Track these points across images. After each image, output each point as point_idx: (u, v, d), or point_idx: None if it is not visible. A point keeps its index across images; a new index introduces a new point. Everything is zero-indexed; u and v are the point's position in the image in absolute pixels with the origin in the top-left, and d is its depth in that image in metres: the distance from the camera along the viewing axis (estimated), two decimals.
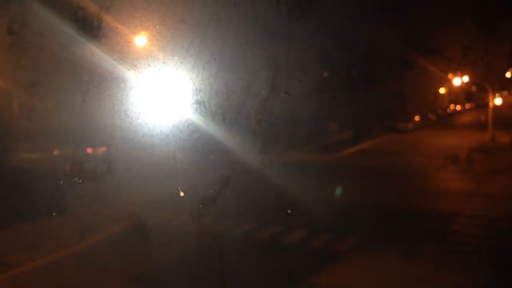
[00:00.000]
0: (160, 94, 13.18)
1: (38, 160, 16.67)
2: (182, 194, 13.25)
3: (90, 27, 12.46)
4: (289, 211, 16.30)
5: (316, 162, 30.64)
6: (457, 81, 49.42)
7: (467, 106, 64.16)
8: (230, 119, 13.33)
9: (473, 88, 52.10)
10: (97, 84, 12.41)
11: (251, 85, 13.09)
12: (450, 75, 47.01)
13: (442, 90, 56.43)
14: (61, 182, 13.20)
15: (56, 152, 17.42)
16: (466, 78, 48.20)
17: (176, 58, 12.89)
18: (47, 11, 12.18)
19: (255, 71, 13.15)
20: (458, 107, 64.54)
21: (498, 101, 44.72)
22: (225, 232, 16.66)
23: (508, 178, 25.22)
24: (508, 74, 48.75)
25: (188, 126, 13.39)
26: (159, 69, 12.90)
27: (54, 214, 14.59)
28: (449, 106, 63.14)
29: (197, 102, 13.09)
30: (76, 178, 13.10)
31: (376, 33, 32.31)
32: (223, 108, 13.37)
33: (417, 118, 51.71)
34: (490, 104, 41.71)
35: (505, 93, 53.74)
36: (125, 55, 12.49)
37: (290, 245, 16.21)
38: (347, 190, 23.07)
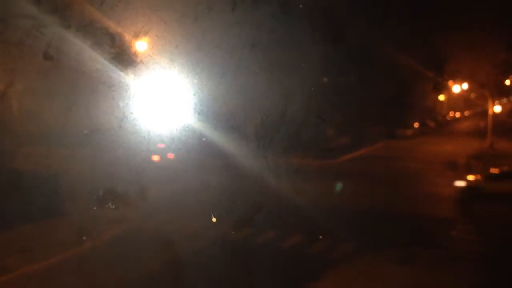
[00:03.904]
0: (193, 120, 13.15)
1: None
2: (214, 219, 13.21)
3: (127, 54, 12.39)
4: (320, 237, 16.41)
5: (316, 168, 30.67)
6: (457, 88, 49.79)
7: (466, 113, 64.55)
8: (264, 145, 13.32)
9: (473, 95, 52.41)
10: (134, 110, 12.31)
11: (286, 110, 13.06)
12: (450, 82, 47.42)
13: (441, 97, 56.80)
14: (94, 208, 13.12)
15: None
16: (465, 85, 48.51)
17: (211, 83, 12.85)
18: (83, 36, 12.10)
19: (289, 95, 13.11)
20: (458, 114, 64.91)
21: (497, 108, 44.68)
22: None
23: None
24: (507, 82, 49.20)
25: (220, 152, 13.36)
26: (194, 94, 12.87)
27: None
28: (448, 113, 63.54)
29: (232, 127, 13.06)
30: (109, 204, 13.03)
31: (378, 41, 32.61)
32: (257, 134, 13.35)
33: (416, 124, 51.89)
34: (489, 112, 41.70)
35: (504, 100, 54.17)
36: (162, 82, 12.42)
37: (287, 250, 16.26)
38: (347, 196, 22.99)
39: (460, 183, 23.09)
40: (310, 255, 15.95)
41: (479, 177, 23.26)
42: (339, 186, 24.10)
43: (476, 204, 21.59)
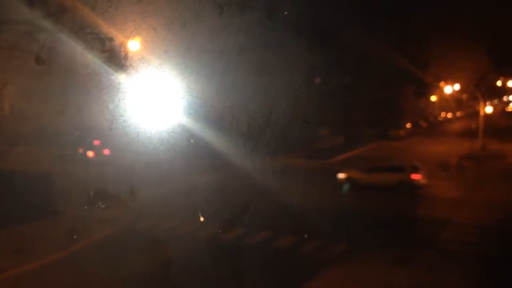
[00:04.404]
0: (182, 122, 13.53)
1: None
2: (202, 219, 13.55)
3: (117, 58, 12.74)
4: (305, 236, 16.50)
5: (309, 169, 30.78)
6: (448, 89, 50.01)
7: (458, 114, 64.74)
8: (251, 147, 13.68)
9: (464, 96, 52.55)
10: (124, 113, 12.66)
11: (271, 113, 13.43)
12: (441, 83, 47.69)
13: (433, 98, 57.06)
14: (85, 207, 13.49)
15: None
16: (457, 86, 48.72)
17: (199, 87, 13.22)
18: (75, 41, 12.44)
19: (276, 99, 13.50)
20: (449, 115, 65.16)
21: (488, 109, 44.72)
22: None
23: (497, 186, 24.85)
24: (498, 83, 49.53)
25: (209, 152, 13.71)
26: (182, 97, 13.23)
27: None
28: (440, 114, 63.83)
29: (220, 129, 13.43)
30: (99, 204, 13.38)
31: (372, 43, 32.90)
32: (244, 136, 13.72)
33: (408, 125, 52.13)
34: (481, 113, 41.65)
35: (495, 101, 54.53)
36: (152, 85, 12.78)
37: (277, 250, 16.24)
38: (338, 197, 23.62)
39: (341, 175, 25.40)
40: (302, 255, 15.93)
41: (358, 170, 25.91)
42: (345, 187, 24.59)
43: (352, 192, 24.39)
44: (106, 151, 19.09)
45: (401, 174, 24.43)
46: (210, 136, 13.68)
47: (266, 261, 15.10)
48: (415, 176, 24.45)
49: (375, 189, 24.29)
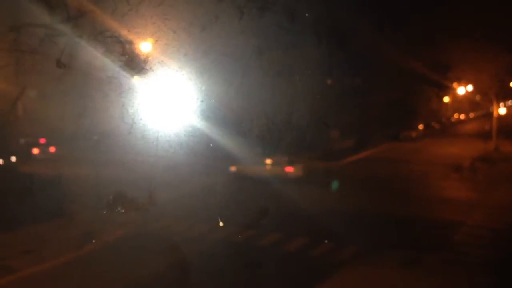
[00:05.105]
0: (201, 126, 13.50)
1: None
2: (221, 224, 13.53)
3: (137, 61, 12.73)
4: (326, 241, 16.44)
5: (321, 170, 30.71)
6: (461, 90, 49.74)
7: (471, 115, 64.45)
8: (270, 151, 13.64)
9: (477, 97, 52.23)
10: (143, 116, 12.65)
11: (290, 116, 13.38)
12: (454, 84, 47.44)
13: (446, 99, 56.80)
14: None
15: None
16: (470, 87, 48.44)
17: (218, 90, 13.20)
18: (95, 44, 12.44)
19: (294, 101, 13.43)
20: (462, 116, 64.86)
21: (502, 110, 44.32)
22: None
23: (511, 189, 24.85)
24: None
25: (227, 157, 13.68)
26: (202, 101, 13.19)
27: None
28: (453, 115, 63.56)
29: (239, 133, 13.38)
30: (119, 208, 13.37)
31: (386, 44, 32.88)
32: (264, 140, 13.67)
33: (420, 126, 51.86)
34: (494, 114, 41.40)
35: (509, 102, 54.06)
36: (171, 88, 12.76)
37: (290, 253, 16.19)
38: (351, 199, 23.03)
39: (232, 168, 26.84)
40: (313, 258, 15.88)
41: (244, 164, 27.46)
42: (335, 185, 24.66)
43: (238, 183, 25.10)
44: (52, 149, 20.06)
45: (277, 167, 25.90)
46: (229, 139, 13.60)
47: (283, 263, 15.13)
48: (288, 169, 26.20)
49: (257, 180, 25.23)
